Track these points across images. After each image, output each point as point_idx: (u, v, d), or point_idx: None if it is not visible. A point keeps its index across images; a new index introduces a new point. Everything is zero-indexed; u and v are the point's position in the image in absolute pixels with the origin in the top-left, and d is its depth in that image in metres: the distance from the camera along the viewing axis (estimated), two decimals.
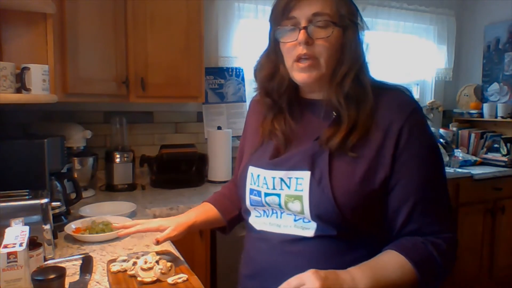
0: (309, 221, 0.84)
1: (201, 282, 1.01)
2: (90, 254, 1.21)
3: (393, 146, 0.83)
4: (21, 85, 1.23)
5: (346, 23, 0.86)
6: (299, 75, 0.86)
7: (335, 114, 0.86)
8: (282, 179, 0.87)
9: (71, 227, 1.40)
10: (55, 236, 1.26)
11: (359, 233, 0.85)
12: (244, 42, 2.53)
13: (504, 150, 2.96)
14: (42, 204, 1.16)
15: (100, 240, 1.34)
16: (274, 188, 0.87)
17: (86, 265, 1.11)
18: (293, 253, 0.85)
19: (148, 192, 2.15)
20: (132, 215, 1.64)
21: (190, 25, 2.10)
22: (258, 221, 0.92)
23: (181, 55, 2.09)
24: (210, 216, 1.10)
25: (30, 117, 2.03)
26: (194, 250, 1.80)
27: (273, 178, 0.88)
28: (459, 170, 2.78)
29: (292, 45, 0.85)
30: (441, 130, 3.23)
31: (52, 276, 0.90)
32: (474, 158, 3.04)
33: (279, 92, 0.92)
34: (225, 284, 1.91)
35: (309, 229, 0.84)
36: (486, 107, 3.14)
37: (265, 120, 0.96)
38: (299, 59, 0.85)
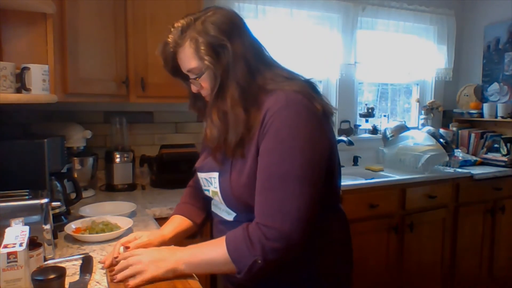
0: (232, 209, 1.05)
1: (200, 284, 1.01)
2: (90, 254, 1.21)
3: (258, 141, 0.96)
4: (21, 85, 1.23)
5: (214, 58, 0.98)
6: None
7: None
8: (206, 179, 1.11)
9: (71, 227, 1.40)
10: (55, 236, 1.26)
11: None
12: None
13: (504, 150, 2.96)
14: (42, 204, 1.16)
15: (100, 240, 1.34)
16: (205, 186, 1.12)
17: (86, 265, 1.11)
18: (222, 231, 1.06)
19: (148, 192, 2.15)
20: (132, 215, 1.64)
21: None
22: (213, 209, 1.16)
23: None
24: (183, 228, 1.22)
25: (30, 117, 2.03)
26: None
27: (202, 178, 1.13)
28: (459, 170, 2.78)
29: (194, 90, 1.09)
30: (441, 130, 3.24)
31: (52, 276, 0.90)
32: (474, 158, 3.04)
33: (204, 107, 1.09)
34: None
35: (231, 215, 1.07)
36: (486, 107, 3.15)
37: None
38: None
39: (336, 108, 1.09)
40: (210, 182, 1.09)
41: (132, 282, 0.96)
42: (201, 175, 1.14)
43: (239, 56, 0.98)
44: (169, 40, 1.06)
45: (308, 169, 0.91)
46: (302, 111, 0.93)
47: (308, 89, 0.99)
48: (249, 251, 0.89)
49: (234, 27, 1.01)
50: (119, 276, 0.98)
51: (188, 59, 1.02)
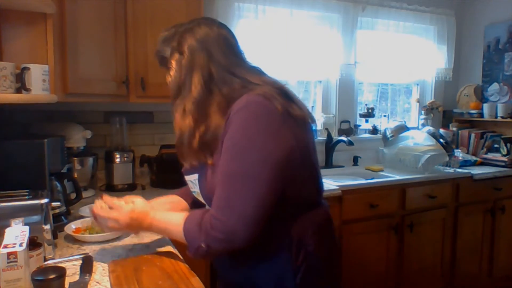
0: None
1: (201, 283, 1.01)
2: (90, 254, 1.21)
3: (223, 141, 1.00)
4: (21, 85, 1.22)
5: (179, 63, 1.11)
6: None
7: None
8: (191, 181, 1.16)
9: (71, 227, 1.40)
10: (55, 236, 1.26)
11: None
12: (243, 42, 2.53)
13: (504, 150, 2.96)
14: (42, 204, 1.16)
15: (100, 240, 1.34)
16: (192, 188, 1.18)
17: (86, 265, 1.11)
18: None
19: (148, 192, 2.14)
20: None
21: None
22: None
23: None
24: (175, 207, 1.31)
25: (30, 117, 2.03)
26: None
27: (188, 181, 1.18)
28: (459, 170, 2.78)
29: None
30: (441, 130, 3.24)
31: (52, 276, 0.90)
32: (474, 158, 3.04)
33: None
34: None
35: None
36: (486, 107, 3.15)
37: None
38: None
39: (311, 117, 1.11)
40: (194, 184, 1.14)
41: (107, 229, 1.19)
42: (186, 178, 1.18)
43: (201, 67, 1.06)
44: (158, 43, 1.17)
45: (257, 168, 0.95)
46: (258, 111, 0.96)
47: (274, 92, 1.00)
48: (197, 236, 0.99)
49: (208, 39, 1.09)
50: (99, 224, 1.18)
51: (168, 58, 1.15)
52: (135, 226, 1.13)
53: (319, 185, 1.14)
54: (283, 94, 1.03)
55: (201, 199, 1.15)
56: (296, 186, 1.03)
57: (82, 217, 1.54)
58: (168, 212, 1.19)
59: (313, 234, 1.07)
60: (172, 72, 1.13)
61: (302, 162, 1.03)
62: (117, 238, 1.36)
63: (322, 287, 1.11)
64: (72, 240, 1.35)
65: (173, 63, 1.12)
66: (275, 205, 0.98)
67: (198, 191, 1.13)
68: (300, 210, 1.06)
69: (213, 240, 0.97)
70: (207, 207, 1.14)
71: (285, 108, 0.99)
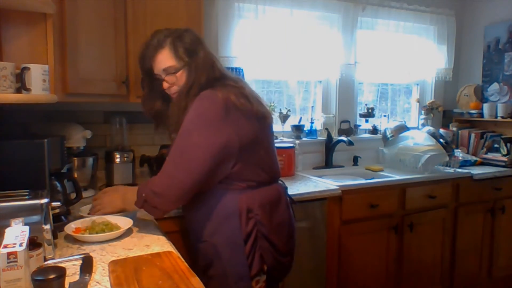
0: None
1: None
2: (90, 254, 1.21)
3: None
4: (21, 85, 1.22)
5: (185, 62, 1.41)
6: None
7: None
8: None
9: (71, 227, 1.40)
10: (55, 236, 1.26)
11: None
12: (244, 42, 2.54)
13: (504, 150, 2.96)
14: (42, 204, 1.16)
15: (100, 240, 1.33)
16: None
17: (86, 265, 1.11)
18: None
19: None
20: (133, 215, 1.64)
21: (190, 25, 2.07)
22: None
23: None
24: None
25: (30, 117, 2.03)
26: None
27: None
28: (459, 170, 2.78)
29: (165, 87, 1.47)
30: (441, 130, 3.24)
31: (52, 276, 0.90)
32: (474, 158, 3.04)
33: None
34: None
35: None
36: (486, 107, 3.15)
37: None
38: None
39: (269, 113, 1.46)
40: None
41: (93, 213, 1.53)
42: None
43: (205, 61, 1.40)
44: (152, 41, 1.43)
45: (193, 148, 1.28)
46: (205, 102, 1.30)
47: (231, 91, 1.33)
48: (143, 188, 1.37)
49: (200, 41, 1.46)
50: (91, 211, 1.54)
51: (166, 59, 1.41)
52: (120, 191, 1.53)
53: (269, 168, 1.45)
54: (240, 93, 1.34)
55: None
56: (236, 167, 1.35)
57: (82, 217, 1.54)
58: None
59: (260, 206, 1.38)
60: (184, 60, 1.43)
61: (240, 150, 1.32)
62: (117, 238, 1.36)
63: (273, 257, 1.41)
64: (72, 240, 1.35)
65: (182, 53, 1.44)
66: (207, 180, 1.31)
67: None
68: (247, 187, 1.39)
69: (150, 192, 1.32)
70: None
71: (233, 103, 1.29)
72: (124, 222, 1.45)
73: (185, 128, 1.31)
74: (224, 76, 1.43)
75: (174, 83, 1.43)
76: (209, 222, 1.40)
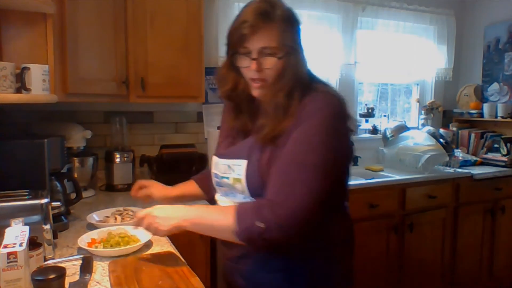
0: (253, 199, 1.05)
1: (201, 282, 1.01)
2: (90, 254, 1.21)
3: (291, 131, 1.00)
4: (21, 85, 1.22)
5: (290, 51, 1.03)
6: (254, 91, 1.09)
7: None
8: (229, 166, 1.09)
9: (85, 239, 1.29)
10: (55, 236, 1.26)
11: None
12: None
13: (504, 150, 2.96)
14: (42, 204, 1.16)
15: (114, 255, 1.22)
16: (225, 172, 1.10)
17: (86, 265, 1.11)
18: None
19: None
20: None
21: (190, 25, 2.10)
22: (221, 199, 1.16)
23: (181, 55, 2.09)
24: (193, 193, 1.38)
25: (30, 117, 2.03)
26: (194, 250, 1.80)
27: (223, 164, 1.11)
28: (459, 170, 2.78)
29: (247, 70, 1.06)
30: (441, 130, 3.23)
31: (52, 276, 0.90)
32: (474, 158, 3.04)
33: (241, 99, 1.13)
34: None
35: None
36: (486, 107, 3.15)
37: (228, 118, 1.20)
38: (252, 79, 1.06)
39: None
40: (232, 169, 1.09)
41: (158, 235, 1.09)
42: (223, 162, 1.12)
43: (303, 49, 1.07)
44: (262, 5, 1.02)
45: (328, 165, 0.97)
46: (336, 116, 1.01)
47: (341, 96, 1.06)
48: (253, 214, 0.95)
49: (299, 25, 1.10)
50: (150, 231, 1.09)
51: (271, 36, 1.02)
52: (173, 210, 1.07)
53: (347, 190, 1.16)
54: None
55: (238, 185, 1.07)
56: (336, 188, 1.05)
57: (91, 225, 1.49)
58: (203, 207, 1.11)
59: (346, 235, 1.15)
60: (293, 44, 1.06)
61: (347, 167, 1.11)
62: (133, 253, 1.25)
63: None
64: (72, 240, 1.35)
65: (293, 35, 1.07)
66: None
67: (240, 177, 1.06)
68: (332, 210, 1.09)
69: (273, 221, 0.93)
70: (235, 199, 1.09)
71: (349, 115, 1.05)
72: (143, 235, 1.30)
73: (309, 141, 0.98)
74: (313, 75, 1.12)
75: (265, 71, 1.05)
76: (294, 253, 1.09)
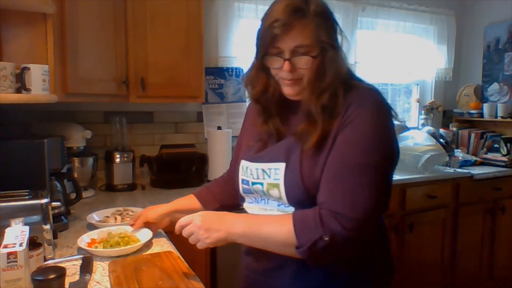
0: (289, 206, 0.98)
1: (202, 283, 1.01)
2: (90, 254, 1.21)
3: (336, 132, 0.93)
4: (21, 85, 1.22)
5: (326, 48, 0.95)
6: (285, 90, 1.00)
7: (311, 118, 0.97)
8: (263, 170, 1.01)
9: (85, 239, 1.29)
10: (55, 236, 1.26)
11: None
12: (244, 42, 2.53)
13: (504, 150, 2.96)
14: (42, 204, 1.16)
15: (113, 255, 1.21)
16: (258, 178, 1.02)
17: (86, 265, 1.11)
18: None
19: (148, 192, 2.15)
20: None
21: (190, 25, 2.10)
22: (250, 206, 1.08)
23: (181, 55, 2.09)
24: (189, 206, 1.28)
25: (30, 117, 2.03)
26: (194, 250, 1.78)
27: (257, 169, 1.02)
28: (459, 170, 2.78)
29: (279, 71, 0.97)
30: (441, 130, 3.23)
31: (52, 276, 0.90)
32: (474, 158, 3.04)
33: (271, 102, 1.05)
34: (225, 284, 1.91)
35: (285, 211, 0.99)
36: (486, 107, 3.14)
37: (258, 121, 1.09)
38: (284, 79, 0.98)
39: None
40: (267, 173, 1.00)
41: (199, 246, 1.00)
42: (256, 166, 1.03)
43: (341, 48, 1.01)
44: (295, 1, 0.92)
45: (383, 166, 0.93)
46: (385, 113, 0.98)
47: (381, 92, 1.01)
48: (317, 228, 0.87)
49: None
50: (191, 242, 1.01)
51: (305, 33, 0.93)
52: (219, 220, 0.97)
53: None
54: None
55: (275, 191, 0.99)
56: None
57: (91, 225, 1.49)
58: (253, 216, 1.04)
59: (382, 235, 1.13)
60: (331, 43, 0.99)
61: (397, 163, 1.04)
62: (132, 254, 1.25)
63: None
64: (72, 240, 1.35)
65: (329, 32, 1.00)
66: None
67: (277, 181, 0.98)
68: None
69: (340, 233, 0.86)
70: (268, 207, 1.02)
71: (393, 110, 1.02)
72: (144, 235, 1.32)
73: (361, 141, 0.92)
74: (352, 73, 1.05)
75: (300, 71, 0.96)
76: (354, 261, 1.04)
